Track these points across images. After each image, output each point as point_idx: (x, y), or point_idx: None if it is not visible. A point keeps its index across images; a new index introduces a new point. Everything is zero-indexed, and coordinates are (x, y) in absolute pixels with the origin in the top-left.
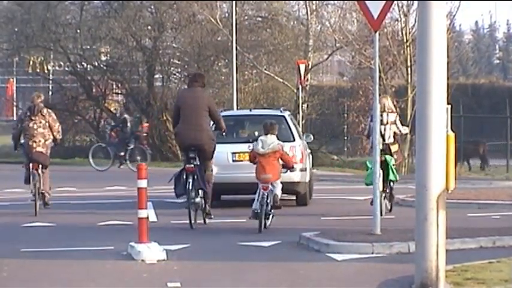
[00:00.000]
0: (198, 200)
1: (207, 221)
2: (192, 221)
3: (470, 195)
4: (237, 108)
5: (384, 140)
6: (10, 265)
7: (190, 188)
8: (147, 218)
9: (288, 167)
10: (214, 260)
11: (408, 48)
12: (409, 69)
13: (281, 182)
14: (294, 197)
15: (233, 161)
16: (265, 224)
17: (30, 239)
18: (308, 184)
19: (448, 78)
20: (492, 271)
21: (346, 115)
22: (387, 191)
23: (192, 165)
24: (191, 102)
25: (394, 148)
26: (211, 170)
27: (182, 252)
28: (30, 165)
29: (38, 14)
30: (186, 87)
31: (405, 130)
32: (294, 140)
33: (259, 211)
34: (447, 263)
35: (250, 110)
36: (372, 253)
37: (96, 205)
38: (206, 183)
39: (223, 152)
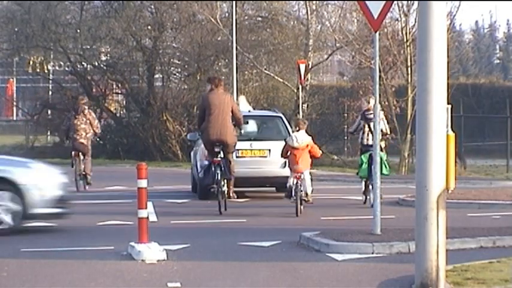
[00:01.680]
0: (224, 188)
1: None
2: (222, 208)
3: (470, 195)
4: None
5: (373, 136)
6: (10, 265)
7: (219, 178)
8: (147, 218)
9: (316, 157)
10: (214, 260)
11: (408, 48)
12: (409, 69)
13: (276, 177)
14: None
15: (237, 157)
16: (300, 209)
17: (30, 239)
18: None
19: (448, 78)
20: (492, 271)
21: (346, 115)
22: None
23: (219, 158)
24: (217, 103)
25: (382, 144)
26: (233, 161)
27: (182, 252)
28: (73, 153)
29: (38, 14)
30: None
31: (387, 130)
32: None
33: (295, 198)
34: (447, 262)
35: (249, 111)
36: (372, 253)
37: (96, 205)
38: (230, 172)
39: None
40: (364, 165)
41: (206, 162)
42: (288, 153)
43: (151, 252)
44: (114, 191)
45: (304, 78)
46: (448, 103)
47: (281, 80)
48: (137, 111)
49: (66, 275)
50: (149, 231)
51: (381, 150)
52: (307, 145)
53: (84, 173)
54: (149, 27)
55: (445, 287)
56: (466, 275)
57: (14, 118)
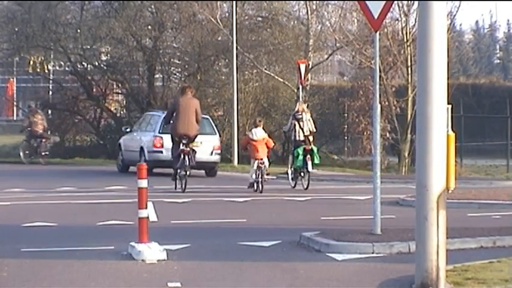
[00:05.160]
0: (189, 172)
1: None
2: (183, 186)
3: (470, 195)
4: (237, 108)
5: (303, 133)
6: (10, 265)
7: (187, 164)
8: (148, 217)
9: (269, 148)
10: (214, 259)
11: (408, 48)
12: (409, 69)
13: (206, 162)
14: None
15: None
16: (261, 188)
17: (30, 239)
18: (218, 164)
19: (448, 78)
20: (492, 271)
21: (346, 115)
22: (309, 172)
23: (188, 149)
24: (184, 105)
25: (311, 138)
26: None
27: (182, 252)
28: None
29: (38, 14)
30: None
31: (313, 129)
32: (216, 134)
33: (259, 180)
34: (447, 262)
35: None
36: (372, 253)
37: (96, 205)
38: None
39: None
40: (300, 157)
41: (178, 151)
42: (247, 146)
43: (152, 252)
44: (115, 191)
45: (305, 78)
46: (448, 103)
47: (281, 80)
48: (137, 111)
49: (66, 275)
50: (149, 231)
51: (310, 144)
52: (264, 138)
53: None
54: (149, 27)
55: (445, 286)
56: (466, 275)
57: (14, 118)
